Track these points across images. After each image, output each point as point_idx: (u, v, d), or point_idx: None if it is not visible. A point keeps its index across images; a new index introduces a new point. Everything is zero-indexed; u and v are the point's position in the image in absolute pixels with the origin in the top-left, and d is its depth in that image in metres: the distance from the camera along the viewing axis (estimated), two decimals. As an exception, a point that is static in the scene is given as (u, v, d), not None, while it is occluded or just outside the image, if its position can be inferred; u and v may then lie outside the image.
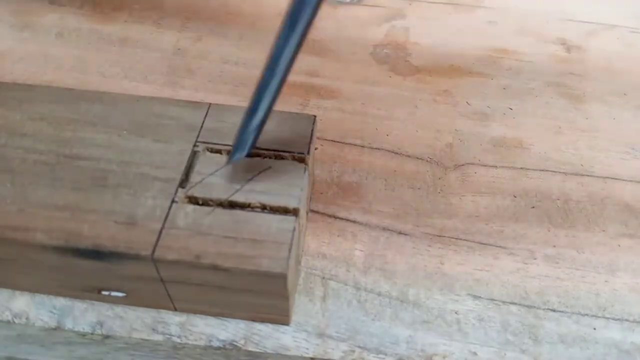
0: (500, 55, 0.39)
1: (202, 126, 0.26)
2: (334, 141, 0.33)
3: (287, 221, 0.23)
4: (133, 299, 0.26)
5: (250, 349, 0.25)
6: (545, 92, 0.37)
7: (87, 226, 0.23)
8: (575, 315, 0.27)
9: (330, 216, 0.30)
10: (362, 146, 0.33)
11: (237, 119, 0.26)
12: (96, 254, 0.22)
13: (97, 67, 0.36)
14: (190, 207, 0.24)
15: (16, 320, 0.26)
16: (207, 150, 0.25)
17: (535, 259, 0.28)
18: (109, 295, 0.25)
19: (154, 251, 0.22)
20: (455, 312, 0.26)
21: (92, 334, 0.26)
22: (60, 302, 0.26)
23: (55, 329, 0.26)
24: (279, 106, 0.30)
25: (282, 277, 0.22)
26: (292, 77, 0.36)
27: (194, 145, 0.26)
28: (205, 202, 0.24)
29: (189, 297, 0.25)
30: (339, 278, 0.27)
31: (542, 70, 0.38)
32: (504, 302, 0.27)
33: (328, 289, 0.27)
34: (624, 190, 0.31)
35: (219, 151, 0.25)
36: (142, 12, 0.40)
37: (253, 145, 0.25)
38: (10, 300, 0.26)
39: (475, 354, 0.25)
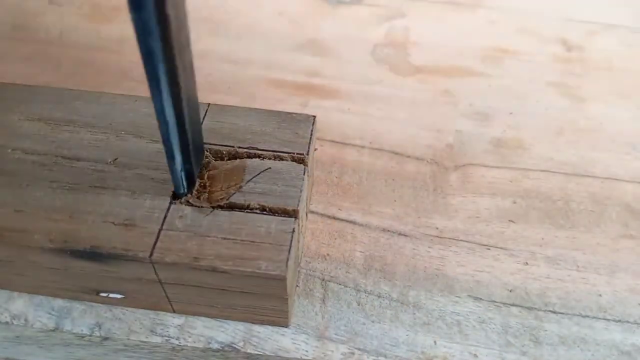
0: (501, 55, 0.39)
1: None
2: (334, 141, 0.33)
3: (287, 223, 0.23)
4: (131, 301, 0.25)
5: (249, 351, 0.25)
6: (546, 92, 0.36)
7: (85, 228, 0.23)
8: (576, 316, 0.27)
9: (330, 217, 0.30)
10: (362, 146, 0.33)
11: (235, 119, 0.26)
12: (94, 255, 0.22)
13: (95, 67, 0.36)
14: (189, 209, 0.23)
15: (15, 322, 0.26)
16: (206, 150, 0.25)
17: (536, 260, 0.28)
18: (108, 296, 0.25)
19: (152, 253, 0.22)
20: (456, 314, 0.26)
21: (90, 335, 0.25)
22: (59, 303, 0.26)
23: (53, 330, 0.26)
24: (278, 106, 0.30)
25: (281, 280, 0.22)
26: (292, 77, 0.37)
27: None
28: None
29: (187, 299, 0.24)
30: (339, 280, 0.27)
31: (542, 70, 0.38)
32: (504, 304, 0.27)
33: (328, 291, 0.27)
34: (625, 191, 0.31)
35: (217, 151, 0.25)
36: (141, 12, 0.40)
37: (194, 179, 0.24)
38: (9, 302, 0.26)
39: (475, 355, 0.25)
